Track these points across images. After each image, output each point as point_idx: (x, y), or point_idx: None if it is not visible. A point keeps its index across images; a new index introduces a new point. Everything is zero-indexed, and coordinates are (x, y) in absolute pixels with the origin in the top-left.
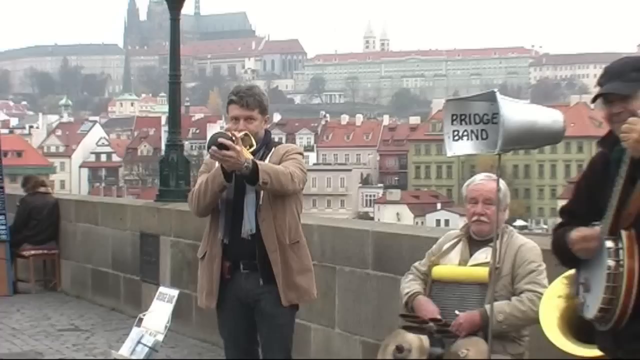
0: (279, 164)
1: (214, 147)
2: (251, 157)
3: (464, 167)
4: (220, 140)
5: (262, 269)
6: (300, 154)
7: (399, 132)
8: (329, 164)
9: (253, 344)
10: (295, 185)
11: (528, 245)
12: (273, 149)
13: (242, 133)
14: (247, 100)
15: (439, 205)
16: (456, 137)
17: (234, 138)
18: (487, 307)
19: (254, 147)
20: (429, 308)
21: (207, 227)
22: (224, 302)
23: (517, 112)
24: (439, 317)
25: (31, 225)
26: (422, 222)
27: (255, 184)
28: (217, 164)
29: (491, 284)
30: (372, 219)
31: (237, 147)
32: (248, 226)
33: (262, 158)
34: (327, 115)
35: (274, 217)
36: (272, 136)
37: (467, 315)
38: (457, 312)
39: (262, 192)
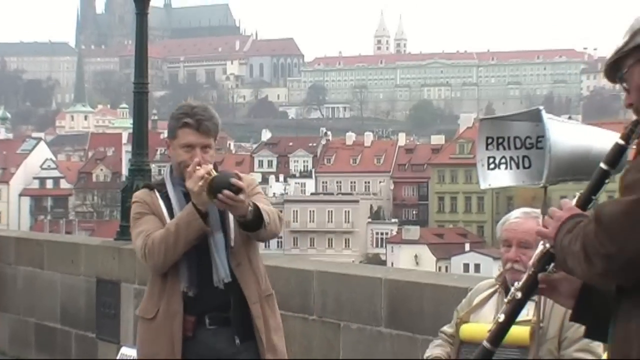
0: None
1: (227, 192)
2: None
3: (498, 199)
4: (234, 181)
5: (237, 324)
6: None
7: (419, 154)
8: (331, 194)
9: None
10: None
11: None
12: None
13: (210, 167)
14: (207, 125)
15: (467, 246)
16: (492, 166)
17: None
18: None
19: None
20: None
21: (157, 279)
22: None
23: (568, 136)
24: None
25: None
26: (447, 267)
27: (255, 230)
28: (175, 205)
29: (533, 347)
30: (385, 262)
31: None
32: (222, 273)
33: None
34: (329, 133)
35: (249, 261)
36: (261, 159)
37: None
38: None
39: (232, 232)
